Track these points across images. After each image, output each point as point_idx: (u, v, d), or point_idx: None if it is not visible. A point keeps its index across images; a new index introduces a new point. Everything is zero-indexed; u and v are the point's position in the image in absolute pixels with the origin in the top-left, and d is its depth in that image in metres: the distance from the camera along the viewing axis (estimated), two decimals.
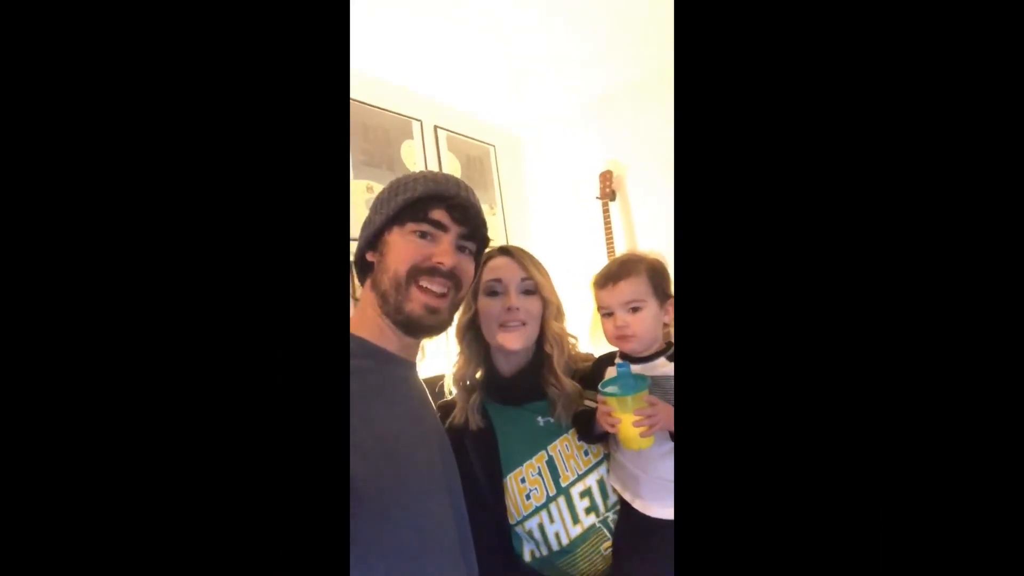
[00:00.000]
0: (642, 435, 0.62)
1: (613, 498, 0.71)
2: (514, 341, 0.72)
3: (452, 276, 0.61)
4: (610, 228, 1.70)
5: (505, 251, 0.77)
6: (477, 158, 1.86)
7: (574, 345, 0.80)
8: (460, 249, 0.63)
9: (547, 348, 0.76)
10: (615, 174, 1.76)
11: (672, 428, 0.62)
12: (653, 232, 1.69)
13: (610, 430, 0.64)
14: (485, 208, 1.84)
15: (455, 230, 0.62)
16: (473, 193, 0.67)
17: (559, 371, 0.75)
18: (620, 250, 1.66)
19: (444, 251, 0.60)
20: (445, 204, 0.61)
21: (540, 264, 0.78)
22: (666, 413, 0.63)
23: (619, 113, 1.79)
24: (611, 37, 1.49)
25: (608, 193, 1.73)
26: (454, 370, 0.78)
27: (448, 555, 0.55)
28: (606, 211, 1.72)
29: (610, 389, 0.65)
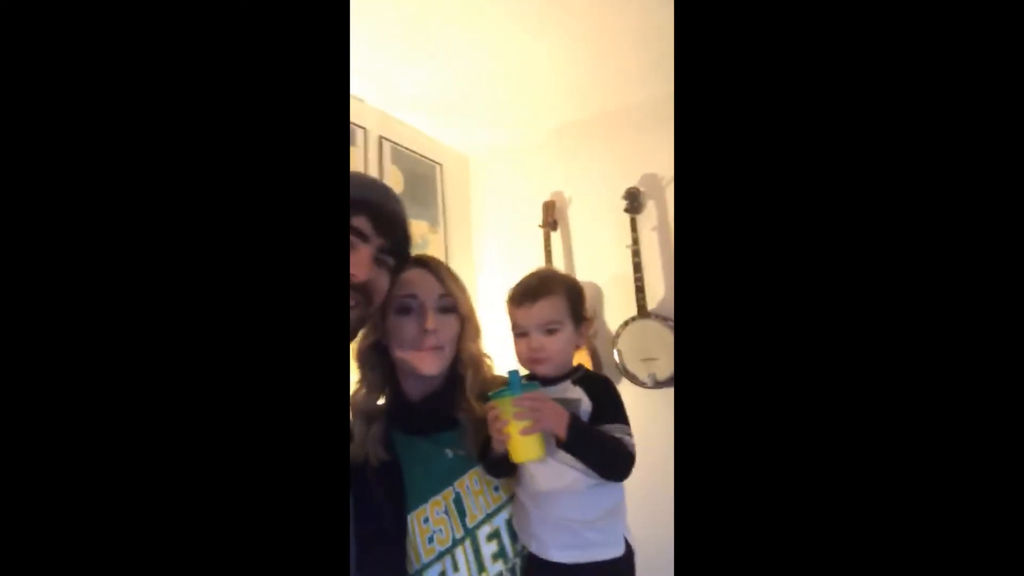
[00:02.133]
0: (523, 432, 0.57)
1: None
2: (431, 366, 0.65)
3: (363, 291, 0.56)
4: (550, 257, 1.71)
5: (420, 262, 0.68)
6: (423, 175, 1.82)
7: (490, 367, 0.74)
8: (378, 263, 0.58)
9: (461, 370, 0.69)
10: (558, 205, 1.79)
11: (562, 431, 0.58)
12: (591, 264, 1.71)
13: (498, 436, 0.59)
14: (426, 227, 1.81)
15: (376, 242, 0.57)
16: (401, 204, 0.62)
17: (471, 395, 0.68)
18: None
19: (359, 262, 0.55)
20: (369, 211, 0.56)
21: (457, 277, 0.71)
22: (554, 412, 0.58)
23: (566, 148, 1.83)
24: (568, 74, 1.53)
25: (550, 222, 1.74)
26: (354, 398, 0.68)
27: None
28: (547, 240, 1.73)
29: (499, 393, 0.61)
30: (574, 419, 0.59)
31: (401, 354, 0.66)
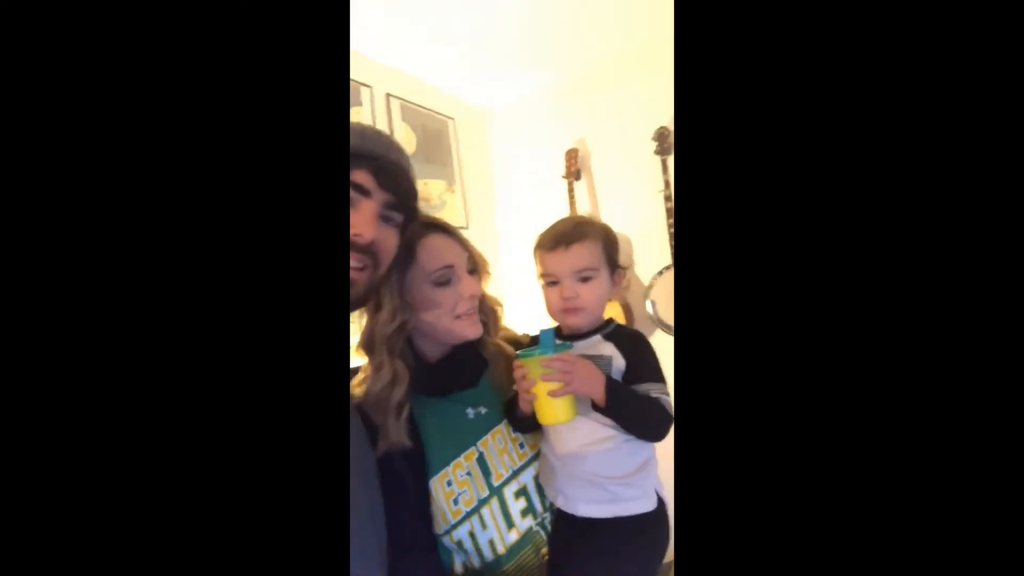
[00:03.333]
0: (551, 393, 0.53)
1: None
2: (475, 330, 0.63)
3: (369, 251, 0.51)
4: (574, 208, 1.62)
5: (436, 227, 0.64)
6: (435, 131, 1.73)
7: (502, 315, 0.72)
8: (384, 219, 0.53)
9: (482, 318, 0.67)
10: (581, 153, 1.68)
11: (599, 396, 0.54)
12: (617, 213, 1.61)
13: (526, 396, 0.56)
14: (443, 185, 1.75)
15: (380, 197, 0.52)
16: (406, 156, 0.56)
17: (497, 336, 0.67)
18: None
19: (363, 220, 0.50)
20: (370, 165, 0.51)
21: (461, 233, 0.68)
22: (588, 375, 0.54)
23: (587, 93, 1.70)
24: (582, 18, 1.40)
25: (573, 172, 1.64)
26: (375, 390, 0.59)
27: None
28: (571, 190, 1.63)
29: (527, 351, 0.57)
30: (610, 382, 0.55)
31: (442, 325, 0.62)
